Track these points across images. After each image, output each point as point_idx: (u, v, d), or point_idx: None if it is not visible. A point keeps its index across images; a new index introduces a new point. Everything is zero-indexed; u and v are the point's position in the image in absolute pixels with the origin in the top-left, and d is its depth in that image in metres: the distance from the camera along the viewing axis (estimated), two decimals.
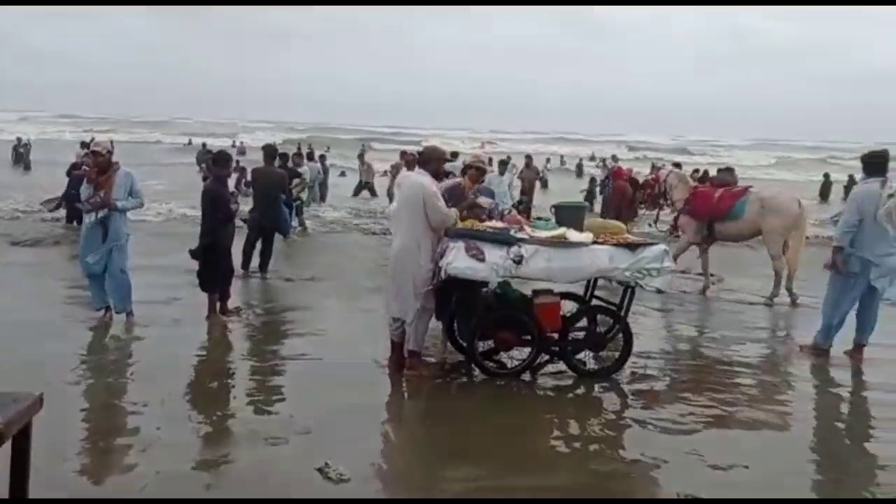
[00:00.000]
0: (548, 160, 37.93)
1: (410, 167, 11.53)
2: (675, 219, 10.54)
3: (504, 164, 15.75)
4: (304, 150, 22.90)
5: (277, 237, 10.91)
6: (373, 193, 22.28)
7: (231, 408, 5.49)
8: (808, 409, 5.92)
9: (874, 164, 6.98)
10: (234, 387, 6.00)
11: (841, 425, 5.72)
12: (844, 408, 6.04)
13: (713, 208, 9.92)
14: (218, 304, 7.90)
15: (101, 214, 7.35)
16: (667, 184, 10.63)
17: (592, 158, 40.71)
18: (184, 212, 16.52)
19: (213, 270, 7.73)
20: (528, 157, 21.37)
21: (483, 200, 6.62)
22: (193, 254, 7.78)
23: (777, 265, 9.66)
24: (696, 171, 21.44)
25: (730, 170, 19.81)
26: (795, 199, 9.84)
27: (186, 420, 5.19)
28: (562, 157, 45.44)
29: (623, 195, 13.79)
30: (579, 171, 37.77)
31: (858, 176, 7.49)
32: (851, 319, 7.13)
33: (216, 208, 7.64)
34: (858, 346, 7.09)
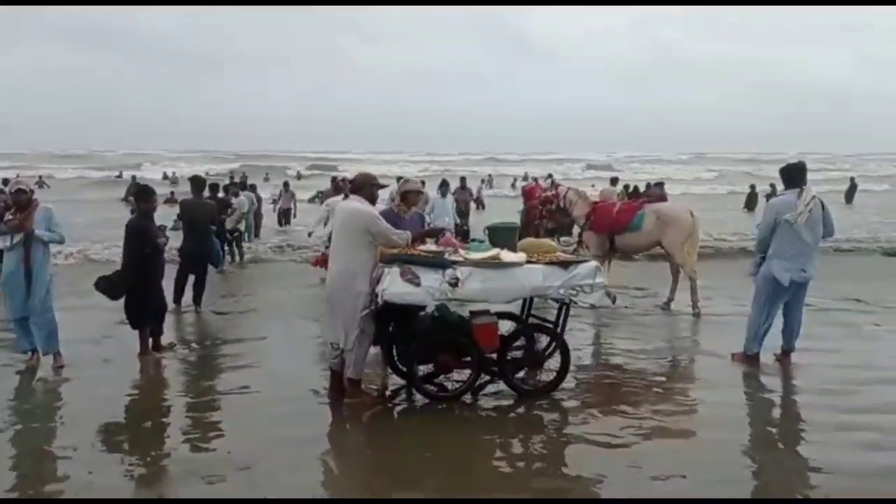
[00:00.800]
0: (482, 181, 38.19)
1: (339, 193, 11.57)
2: (580, 234, 10.85)
3: (445, 186, 15.80)
4: (238, 180, 22.59)
5: (211, 269, 10.72)
6: (286, 221, 21.83)
7: (166, 447, 5.34)
8: (741, 416, 6.08)
9: (792, 175, 7.18)
10: (168, 425, 5.85)
11: (773, 430, 5.88)
12: (776, 412, 6.23)
13: (613, 222, 10.33)
14: (150, 341, 7.69)
15: (16, 239, 7.06)
16: (567, 200, 10.91)
17: (525, 178, 41.16)
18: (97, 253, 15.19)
19: (142, 307, 7.54)
20: (462, 179, 21.54)
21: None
22: (99, 286, 7.53)
23: (689, 272, 10.03)
24: (627, 186, 21.98)
25: (660, 184, 20.55)
26: (688, 210, 10.41)
27: (119, 462, 5.04)
28: (489, 176, 45.33)
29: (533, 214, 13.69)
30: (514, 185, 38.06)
31: (780, 187, 7.77)
32: (778, 325, 7.38)
33: (142, 243, 7.46)
34: (786, 352, 7.35)
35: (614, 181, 19.69)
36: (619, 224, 10.25)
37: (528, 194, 12.76)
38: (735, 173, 56.73)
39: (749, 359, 7.31)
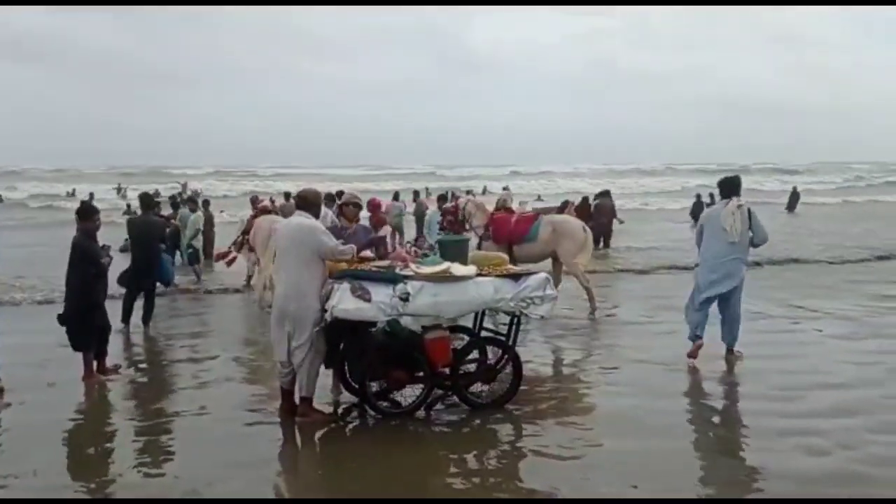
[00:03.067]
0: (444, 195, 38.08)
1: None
2: (478, 245, 11.00)
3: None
4: (188, 195, 22.16)
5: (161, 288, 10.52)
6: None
7: (112, 473, 5.21)
8: (690, 424, 6.19)
9: (726, 187, 7.84)
10: (115, 450, 5.71)
11: (721, 437, 5.98)
12: (723, 419, 6.34)
13: (511, 232, 10.66)
14: (94, 363, 7.50)
15: None
16: (465, 211, 11.11)
17: (485, 191, 41.06)
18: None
19: (86, 328, 7.34)
20: (416, 193, 21.60)
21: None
22: (62, 319, 7.37)
23: (582, 281, 10.53)
24: (586, 197, 21.96)
25: (606, 193, 20.88)
26: (581, 224, 10.89)
27: (63, 490, 4.90)
28: (426, 189, 44.57)
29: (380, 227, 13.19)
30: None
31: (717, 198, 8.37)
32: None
33: (86, 263, 7.28)
34: (729, 349, 7.83)
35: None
36: (516, 234, 10.62)
37: (374, 207, 12.48)
38: (683, 183, 57.76)
39: (695, 344, 7.72)
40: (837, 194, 45.88)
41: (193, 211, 15.30)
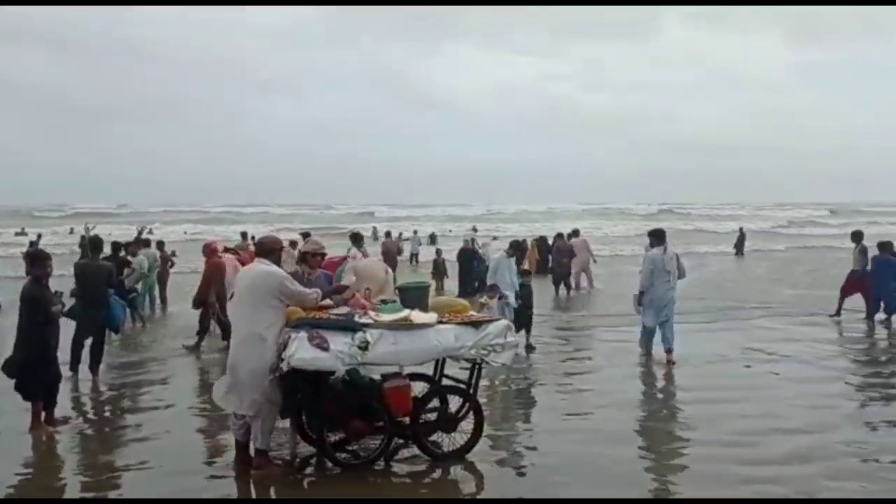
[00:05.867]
0: (400, 234, 37.94)
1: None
2: None
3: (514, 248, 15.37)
4: (144, 236, 21.72)
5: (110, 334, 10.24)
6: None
7: None
8: (649, 473, 6.18)
9: (658, 236, 10.64)
10: None
11: (677, 485, 5.97)
12: (680, 465, 6.32)
13: None
14: (43, 414, 7.24)
15: None
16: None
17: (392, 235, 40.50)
18: None
19: (36, 378, 7.10)
20: (388, 233, 21.68)
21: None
22: (6, 369, 7.12)
23: None
24: (562, 234, 22.07)
25: (576, 232, 21.25)
26: (384, 267, 10.69)
27: None
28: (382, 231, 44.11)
29: (217, 271, 11.93)
30: (432, 240, 37.91)
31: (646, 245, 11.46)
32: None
33: (36, 312, 7.07)
34: (668, 351, 10.17)
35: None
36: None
37: (210, 251, 12.36)
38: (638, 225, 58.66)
39: (648, 352, 10.54)
40: (782, 240, 46.20)
41: (133, 254, 14.80)
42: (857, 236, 14.78)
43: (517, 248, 13.07)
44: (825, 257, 29.18)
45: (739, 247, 33.77)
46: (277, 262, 6.15)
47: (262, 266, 6.02)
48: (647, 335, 10.56)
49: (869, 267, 14.01)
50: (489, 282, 11.29)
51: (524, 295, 11.37)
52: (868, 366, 10.20)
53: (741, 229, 36.52)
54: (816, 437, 6.80)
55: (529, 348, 11.00)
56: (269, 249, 6.18)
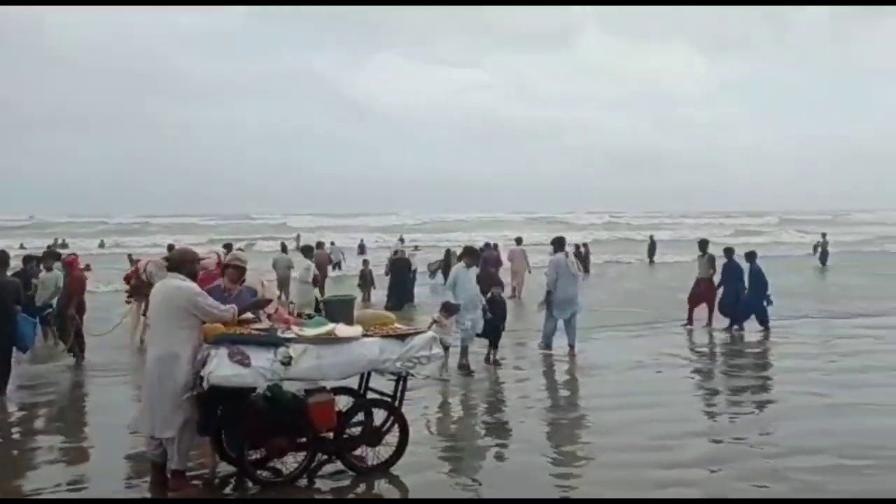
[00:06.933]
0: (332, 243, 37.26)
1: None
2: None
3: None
4: (58, 248, 20.92)
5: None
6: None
7: None
8: (572, 479, 6.28)
9: (559, 243, 12.07)
10: None
11: (601, 492, 6.09)
12: (601, 473, 6.42)
13: None
14: None
15: None
16: (147, 273, 10.53)
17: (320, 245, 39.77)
18: None
19: None
20: (319, 244, 21.57)
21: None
22: None
23: None
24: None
25: (518, 240, 21.54)
26: (260, 279, 10.57)
27: None
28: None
29: (79, 285, 11.89)
30: (361, 250, 37.43)
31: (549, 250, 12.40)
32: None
33: None
34: (571, 346, 11.43)
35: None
36: None
37: (70, 266, 12.17)
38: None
39: (548, 350, 11.61)
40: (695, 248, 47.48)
41: (49, 268, 14.08)
42: (703, 245, 15.19)
43: (475, 256, 11.64)
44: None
45: (651, 253, 34.81)
46: (192, 276, 5.98)
47: (174, 281, 5.85)
48: (550, 331, 11.68)
49: (717, 275, 14.29)
50: (449, 297, 10.15)
51: (496, 307, 10.99)
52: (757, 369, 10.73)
53: (651, 237, 37.61)
54: (728, 441, 7.07)
55: (496, 363, 10.74)
56: (180, 263, 6.01)
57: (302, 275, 14.76)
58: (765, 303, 13.60)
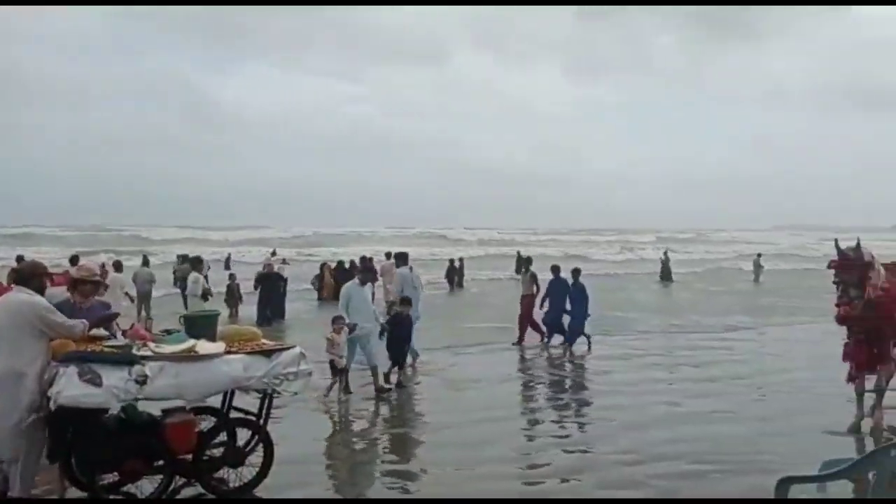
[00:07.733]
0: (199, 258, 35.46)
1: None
2: None
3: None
4: None
5: None
6: None
7: None
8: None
9: (403, 258, 12.82)
10: None
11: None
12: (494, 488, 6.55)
13: None
14: None
15: None
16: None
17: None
18: None
19: None
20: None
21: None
22: None
23: None
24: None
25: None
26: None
27: None
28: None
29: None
30: (227, 264, 36.12)
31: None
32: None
33: None
34: (415, 357, 11.61)
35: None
36: None
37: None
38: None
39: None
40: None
41: None
42: (526, 262, 15.51)
43: (369, 270, 12.73)
44: (601, 284, 31.69)
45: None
46: (40, 290, 5.58)
47: (20, 295, 5.44)
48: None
49: (541, 292, 14.36)
50: (340, 314, 9.79)
51: (398, 325, 10.58)
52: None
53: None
54: (589, 450, 7.37)
55: (399, 385, 10.26)
56: (27, 276, 5.60)
57: (191, 288, 14.36)
58: (584, 319, 13.69)
